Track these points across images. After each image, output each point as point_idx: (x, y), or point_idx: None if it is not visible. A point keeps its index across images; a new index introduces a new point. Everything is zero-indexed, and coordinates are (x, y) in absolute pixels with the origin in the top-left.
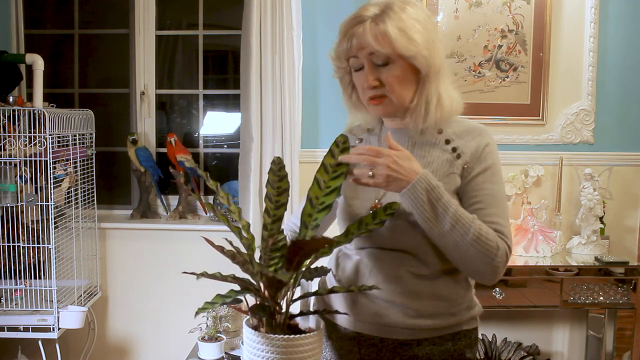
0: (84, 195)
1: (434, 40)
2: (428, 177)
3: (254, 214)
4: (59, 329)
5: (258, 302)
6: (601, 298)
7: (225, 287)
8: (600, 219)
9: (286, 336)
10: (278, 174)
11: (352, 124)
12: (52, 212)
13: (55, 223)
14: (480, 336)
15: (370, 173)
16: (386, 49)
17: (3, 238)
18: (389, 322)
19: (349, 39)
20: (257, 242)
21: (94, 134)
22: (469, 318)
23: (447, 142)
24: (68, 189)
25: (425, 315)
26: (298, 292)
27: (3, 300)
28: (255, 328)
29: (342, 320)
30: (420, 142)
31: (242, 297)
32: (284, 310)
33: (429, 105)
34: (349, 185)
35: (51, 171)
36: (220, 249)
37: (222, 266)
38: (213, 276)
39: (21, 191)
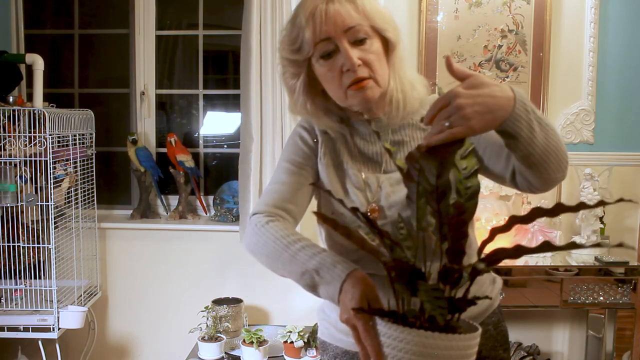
0: (84, 195)
1: (392, 16)
2: (521, 96)
3: None
4: (59, 329)
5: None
6: (601, 298)
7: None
8: (600, 219)
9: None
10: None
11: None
12: (52, 212)
13: (55, 223)
14: None
15: (447, 123)
16: (365, 20)
17: (3, 238)
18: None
19: (316, 19)
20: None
21: (94, 134)
22: (497, 293)
23: (422, 119)
24: (68, 189)
25: None
26: None
27: (3, 300)
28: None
29: None
30: (397, 128)
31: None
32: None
33: (405, 90)
34: (338, 187)
35: (51, 171)
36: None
37: (222, 266)
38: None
39: (21, 191)
